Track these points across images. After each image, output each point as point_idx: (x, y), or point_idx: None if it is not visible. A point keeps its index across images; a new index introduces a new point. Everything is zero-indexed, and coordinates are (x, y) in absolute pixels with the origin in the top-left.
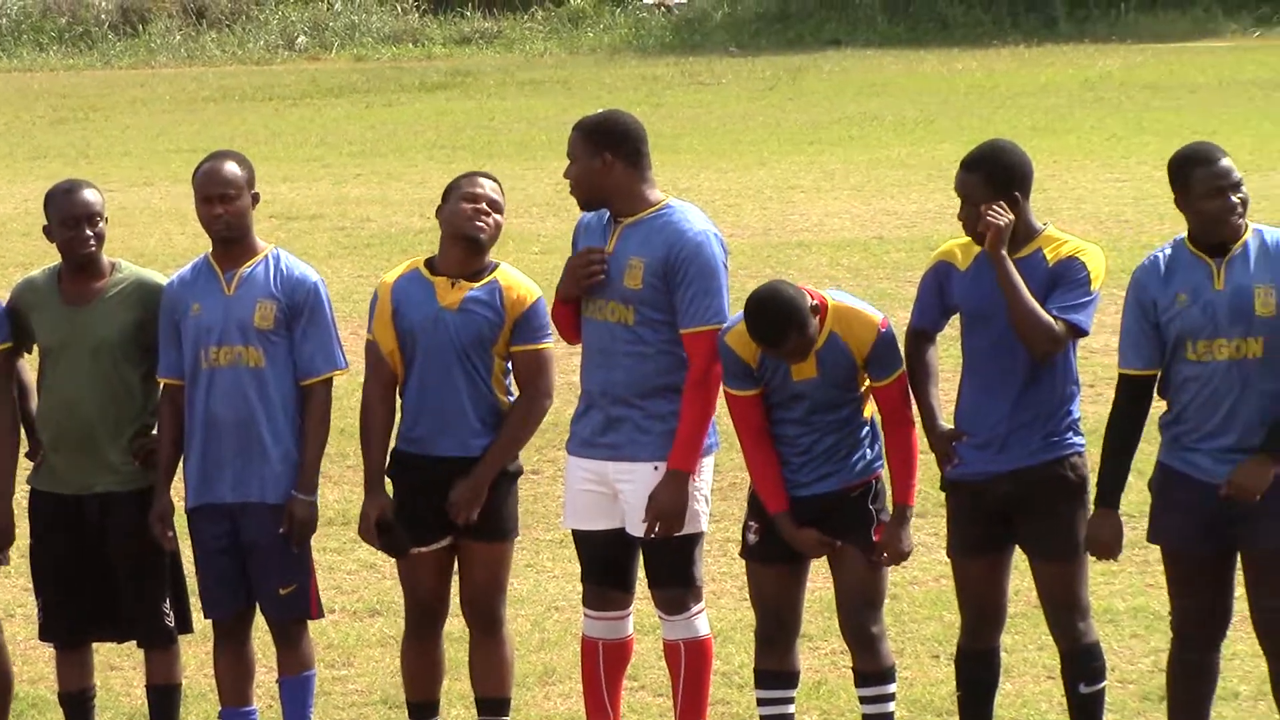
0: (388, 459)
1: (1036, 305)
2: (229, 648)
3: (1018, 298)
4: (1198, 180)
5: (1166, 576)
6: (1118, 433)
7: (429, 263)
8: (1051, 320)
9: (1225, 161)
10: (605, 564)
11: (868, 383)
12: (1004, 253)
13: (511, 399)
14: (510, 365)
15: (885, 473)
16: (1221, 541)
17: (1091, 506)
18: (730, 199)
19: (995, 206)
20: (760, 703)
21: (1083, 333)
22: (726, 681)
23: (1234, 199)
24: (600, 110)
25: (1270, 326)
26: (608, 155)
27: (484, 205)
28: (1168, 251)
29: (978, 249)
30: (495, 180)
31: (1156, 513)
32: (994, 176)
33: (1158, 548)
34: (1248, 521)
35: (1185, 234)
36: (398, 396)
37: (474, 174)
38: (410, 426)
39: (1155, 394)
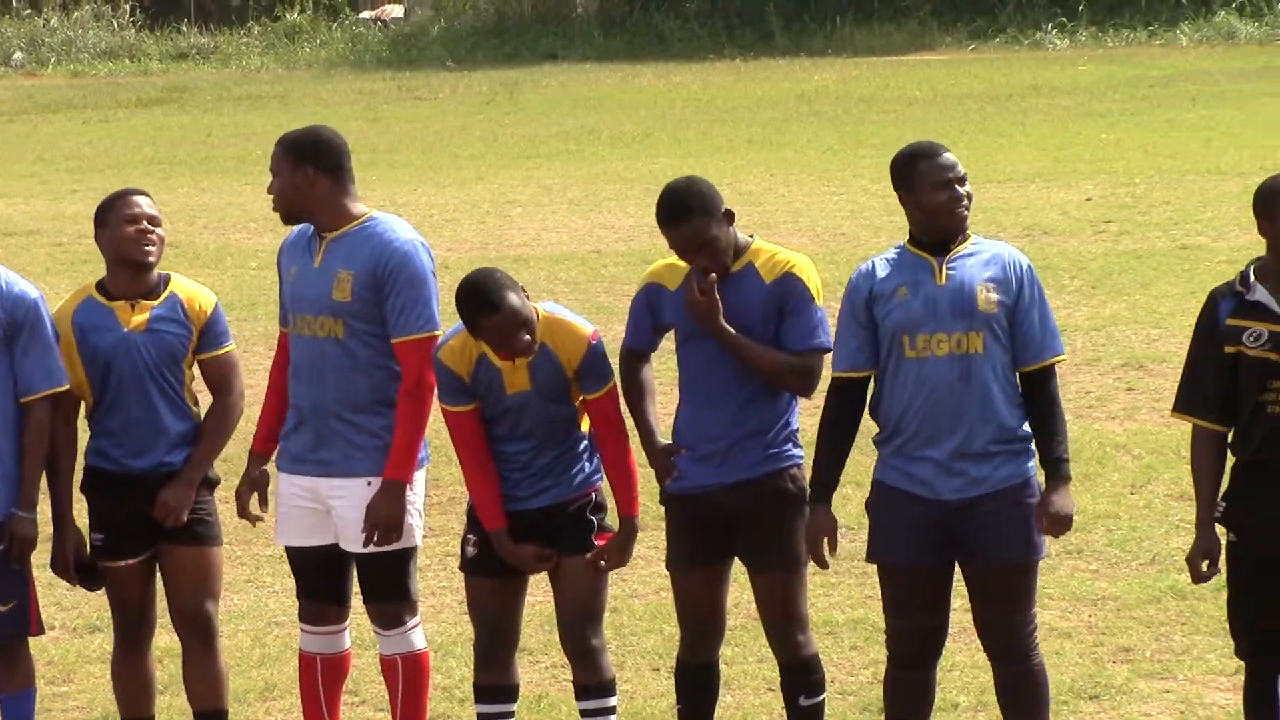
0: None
1: (777, 356)
2: None
3: (759, 361)
4: (923, 174)
5: (884, 595)
6: (831, 434)
7: (100, 288)
8: (795, 359)
9: (950, 155)
10: (320, 579)
11: (582, 396)
12: (725, 326)
13: (198, 407)
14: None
15: (605, 485)
16: (941, 558)
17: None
18: (448, 213)
19: (697, 287)
20: (480, 717)
21: (827, 350)
22: (448, 696)
23: (960, 191)
24: (304, 126)
25: (991, 323)
26: (310, 169)
27: (145, 224)
28: (889, 255)
29: (686, 268)
30: (148, 195)
31: (876, 531)
32: (707, 212)
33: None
34: (977, 538)
35: (907, 239)
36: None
37: (126, 193)
38: (106, 446)
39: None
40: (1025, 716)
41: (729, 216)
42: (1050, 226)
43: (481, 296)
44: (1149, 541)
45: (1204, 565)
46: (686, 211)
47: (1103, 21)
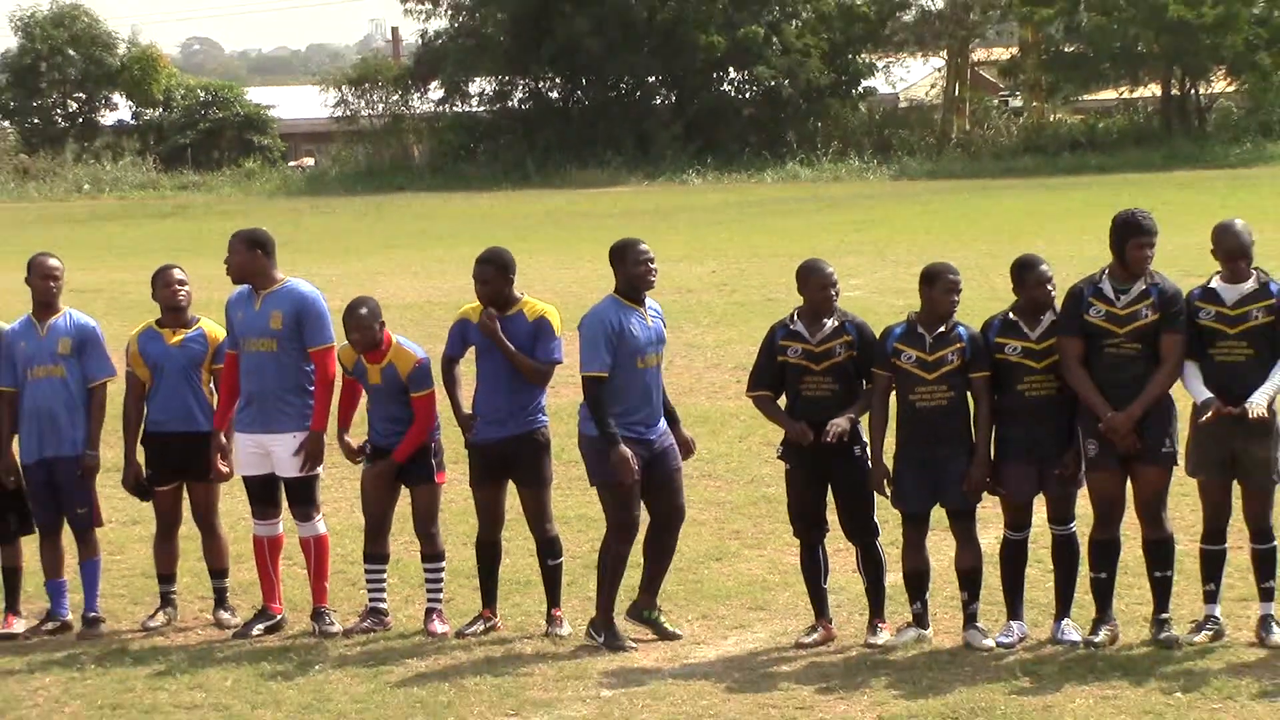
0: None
1: (524, 359)
2: (50, 543)
3: (517, 361)
4: (631, 256)
5: (616, 500)
6: (606, 410)
7: (157, 322)
8: (541, 366)
9: (645, 246)
10: (263, 493)
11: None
12: (504, 340)
13: (213, 396)
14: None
15: (442, 437)
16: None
17: (553, 457)
18: (341, 281)
19: (485, 320)
20: (367, 573)
21: (558, 361)
22: (344, 559)
23: (652, 267)
24: (250, 227)
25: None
26: (259, 252)
27: (177, 286)
28: (612, 303)
29: (480, 308)
30: (180, 268)
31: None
32: (500, 269)
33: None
34: (665, 460)
35: (614, 292)
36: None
37: (166, 267)
38: (157, 415)
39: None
40: (667, 558)
41: (511, 282)
42: (691, 287)
43: (356, 301)
44: (750, 469)
45: (884, 484)
46: (490, 262)
47: (722, 169)
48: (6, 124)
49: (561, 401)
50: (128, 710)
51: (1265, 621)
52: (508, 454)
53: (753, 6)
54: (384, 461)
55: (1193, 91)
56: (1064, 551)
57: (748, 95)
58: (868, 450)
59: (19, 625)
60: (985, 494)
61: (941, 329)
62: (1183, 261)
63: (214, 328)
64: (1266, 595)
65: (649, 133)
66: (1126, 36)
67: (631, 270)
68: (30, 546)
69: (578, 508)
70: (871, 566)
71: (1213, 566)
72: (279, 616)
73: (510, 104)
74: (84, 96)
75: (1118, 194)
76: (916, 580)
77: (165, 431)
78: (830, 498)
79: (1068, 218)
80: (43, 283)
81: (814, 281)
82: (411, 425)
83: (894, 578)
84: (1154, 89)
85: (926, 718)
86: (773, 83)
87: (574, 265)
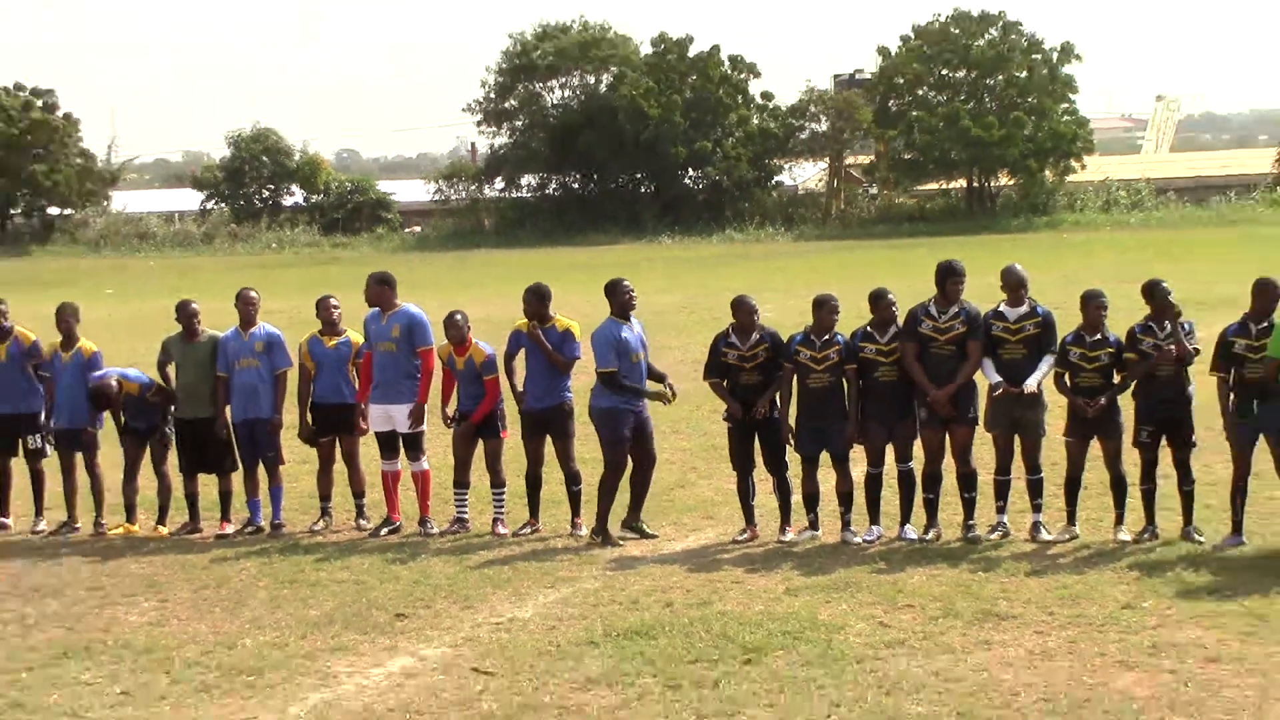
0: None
1: (557, 356)
2: (250, 475)
3: (552, 357)
4: (619, 289)
5: (615, 449)
6: (623, 386)
7: (320, 331)
8: (565, 360)
9: (627, 282)
10: (387, 441)
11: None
12: (542, 340)
13: (355, 380)
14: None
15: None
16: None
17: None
18: (436, 306)
19: (531, 330)
20: (456, 495)
21: (578, 358)
22: (442, 487)
23: (634, 293)
24: (380, 269)
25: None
26: (385, 287)
27: (332, 309)
28: (612, 320)
29: (528, 323)
30: (334, 297)
31: (618, 427)
32: (540, 297)
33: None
34: (647, 430)
35: (610, 313)
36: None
37: (325, 297)
38: (320, 391)
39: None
40: (645, 488)
41: (547, 305)
42: (664, 310)
43: (453, 312)
44: (704, 428)
45: (790, 437)
46: (530, 293)
47: (684, 234)
48: (224, 205)
49: (578, 384)
50: (300, 584)
51: (1035, 526)
52: (546, 418)
53: (703, 128)
54: (466, 423)
55: (987, 184)
56: (905, 481)
57: (700, 186)
58: (780, 415)
59: (230, 529)
60: (855, 444)
61: (826, 337)
62: (982, 293)
63: (356, 336)
64: (1036, 509)
65: (637, 212)
66: (943, 149)
67: (621, 299)
68: (236, 477)
69: (591, 453)
70: (782, 490)
71: (1002, 490)
72: (398, 523)
73: (548, 192)
74: (273, 187)
75: (938, 251)
76: (811, 499)
77: (325, 403)
78: (756, 446)
79: (906, 266)
80: (245, 306)
81: (743, 309)
82: (484, 398)
83: (796, 498)
84: (962, 183)
85: (817, 588)
86: (717, 178)
87: (588, 296)
